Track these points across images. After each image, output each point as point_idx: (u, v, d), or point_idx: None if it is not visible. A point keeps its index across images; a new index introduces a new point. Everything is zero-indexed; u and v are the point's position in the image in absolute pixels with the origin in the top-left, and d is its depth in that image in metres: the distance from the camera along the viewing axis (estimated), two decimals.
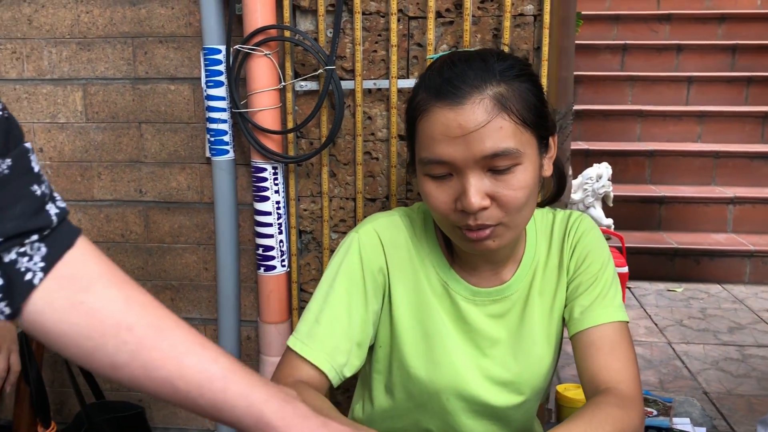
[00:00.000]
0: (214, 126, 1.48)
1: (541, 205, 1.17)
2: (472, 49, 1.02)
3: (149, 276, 1.64)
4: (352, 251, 1.04)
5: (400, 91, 1.41)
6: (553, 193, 1.17)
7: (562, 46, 1.61)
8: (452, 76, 0.92)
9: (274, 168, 1.45)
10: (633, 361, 1.03)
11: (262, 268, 1.49)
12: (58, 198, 0.64)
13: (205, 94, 1.47)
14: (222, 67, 1.44)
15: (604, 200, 3.88)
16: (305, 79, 1.43)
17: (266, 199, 1.46)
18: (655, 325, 3.11)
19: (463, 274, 1.07)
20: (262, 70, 1.41)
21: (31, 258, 0.61)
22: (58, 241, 0.63)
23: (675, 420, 1.83)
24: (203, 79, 1.47)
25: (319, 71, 1.40)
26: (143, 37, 1.53)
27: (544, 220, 1.13)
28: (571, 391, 1.64)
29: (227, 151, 1.50)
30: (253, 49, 1.39)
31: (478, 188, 0.91)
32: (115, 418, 1.63)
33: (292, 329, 1.50)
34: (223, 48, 1.44)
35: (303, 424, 0.67)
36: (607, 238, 3.51)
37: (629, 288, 3.60)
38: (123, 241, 1.63)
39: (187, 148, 1.57)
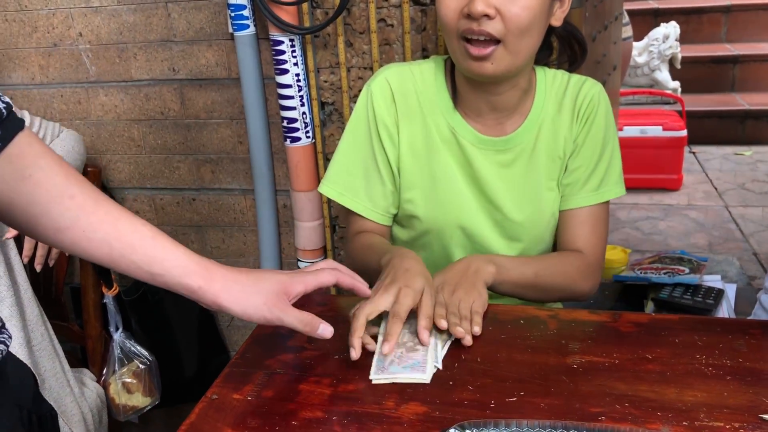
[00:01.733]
0: (233, 1, 1.51)
1: (559, 68, 1.20)
2: None
3: (190, 150, 1.75)
4: (360, 105, 1.15)
5: None
6: (570, 55, 1.19)
7: None
8: None
9: (291, 40, 1.49)
10: (605, 237, 1.18)
11: (288, 140, 1.57)
12: (3, 96, 0.73)
13: None
14: None
15: (671, 62, 3.70)
16: None
17: (286, 72, 1.51)
18: (715, 189, 3.04)
19: (469, 120, 1.14)
20: None
21: None
22: (9, 128, 0.72)
23: (705, 277, 1.85)
24: None
25: None
26: None
27: (557, 81, 1.17)
28: (608, 253, 1.69)
29: (248, 26, 1.54)
30: None
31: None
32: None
33: (320, 196, 1.59)
34: None
35: (218, 269, 0.82)
36: (667, 102, 3.39)
37: (693, 153, 3.50)
38: (163, 118, 1.73)
39: (212, 24, 1.62)
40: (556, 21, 1.09)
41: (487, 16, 0.98)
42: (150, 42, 1.66)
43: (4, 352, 0.72)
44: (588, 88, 1.15)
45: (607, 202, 1.17)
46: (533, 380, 0.86)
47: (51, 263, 1.48)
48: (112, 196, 1.82)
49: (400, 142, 1.14)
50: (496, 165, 1.14)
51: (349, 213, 1.18)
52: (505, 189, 1.15)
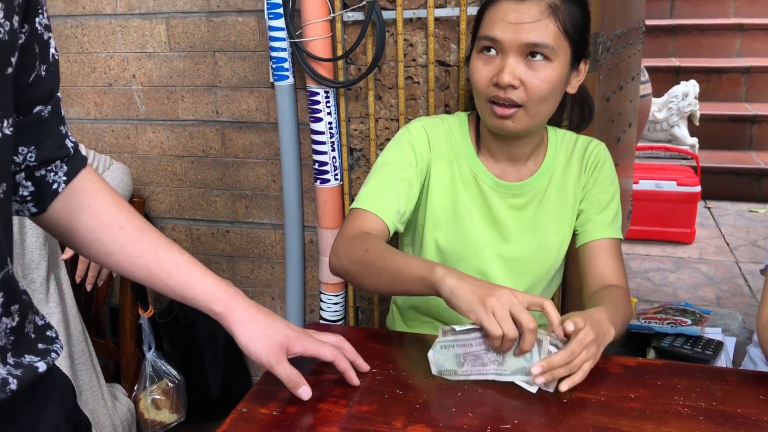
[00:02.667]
0: (275, 54, 1.67)
1: (570, 129, 1.36)
2: None
3: (227, 186, 1.90)
4: (404, 138, 1.28)
5: (437, 19, 1.54)
6: (579, 118, 1.35)
7: None
8: None
9: (326, 92, 1.64)
10: (624, 267, 1.28)
11: (318, 181, 1.70)
12: (71, 136, 0.87)
13: (267, 25, 1.66)
14: (280, 0, 1.61)
15: (690, 119, 3.81)
16: (352, 10, 1.58)
17: (320, 120, 1.65)
18: (727, 244, 3.12)
19: (488, 166, 1.28)
20: (314, 3, 1.57)
21: (56, 174, 0.85)
22: (74, 165, 0.86)
23: (707, 330, 1.93)
24: (265, 12, 1.65)
25: (363, 2, 1.55)
26: None
27: (566, 139, 1.33)
28: None
29: (287, 77, 1.69)
30: None
31: (513, 68, 1.13)
32: None
33: None
34: None
35: (241, 301, 0.95)
36: (684, 158, 3.49)
37: (708, 208, 3.58)
38: (204, 156, 1.88)
39: (255, 74, 1.77)
40: (572, 89, 1.24)
41: (512, 86, 1.13)
42: (197, 86, 1.82)
43: (55, 360, 0.84)
44: (594, 146, 1.31)
45: (620, 242, 1.30)
46: (527, 411, 0.96)
47: (100, 283, 1.62)
48: (154, 225, 1.96)
49: (431, 179, 1.28)
50: (510, 207, 1.28)
51: (352, 215, 1.24)
52: (516, 229, 1.29)
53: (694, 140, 3.79)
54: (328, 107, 1.65)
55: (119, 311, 1.85)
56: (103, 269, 1.60)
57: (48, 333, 0.82)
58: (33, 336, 0.79)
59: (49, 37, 0.80)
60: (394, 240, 1.35)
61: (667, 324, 1.91)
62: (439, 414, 0.96)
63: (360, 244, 1.14)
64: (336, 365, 1.01)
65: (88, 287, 1.60)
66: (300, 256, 1.84)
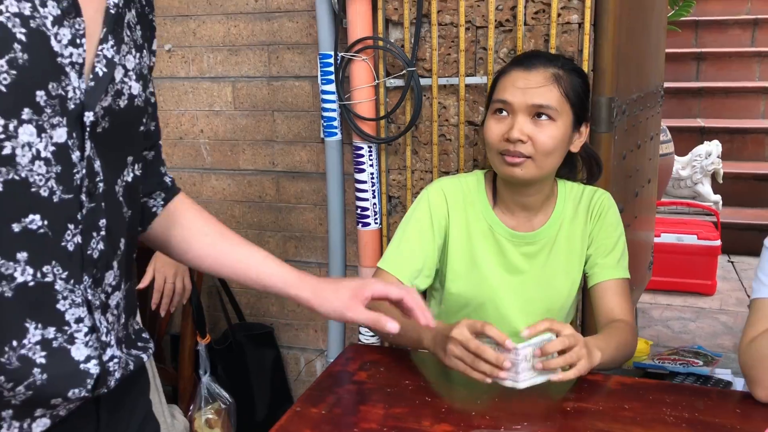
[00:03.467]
0: (326, 114, 1.92)
1: (585, 182, 1.55)
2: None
3: (279, 228, 2.13)
4: (422, 202, 1.49)
5: (467, 86, 1.78)
6: (588, 173, 1.55)
7: (619, 47, 1.88)
8: (532, 56, 1.41)
9: (370, 147, 1.87)
10: (632, 305, 1.46)
11: (360, 224, 1.93)
12: (168, 173, 1.10)
13: (320, 89, 1.91)
14: (332, 68, 1.87)
15: (713, 176, 3.97)
16: (394, 77, 1.83)
17: (363, 170, 1.88)
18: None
19: (503, 218, 1.47)
20: (361, 71, 1.82)
21: (155, 200, 1.07)
22: (170, 192, 1.09)
23: (717, 370, 2.07)
24: (319, 78, 1.91)
25: (404, 71, 1.79)
26: (276, 45, 2.00)
27: (574, 191, 1.51)
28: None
29: (336, 134, 1.93)
30: (354, 55, 1.81)
31: (521, 126, 1.35)
32: (251, 335, 2.15)
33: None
34: (332, 53, 1.86)
35: (310, 279, 1.09)
36: (707, 213, 3.64)
37: (731, 262, 3.71)
38: (260, 201, 2.13)
39: (308, 130, 2.02)
40: (575, 148, 1.44)
41: (521, 140, 1.34)
42: (257, 140, 2.08)
43: (150, 356, 1.05)
44: (599, 195, 1.49)
45: (627, 280, 1.47)
46: (536, 416, 1.15)
47: (172, 310, 1.85)
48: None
49: (450, 234, 1.47)
50: (523, 255, 1.47)
51: (376, 274, 1.46)
52: (530, 274, 1.47)
53: (718, 197, 3.94)
54: (371, 160, 1.88)
55: (180, 338, 2.07)
56: (174, 298, 1.83)
57: (143, 335, 1.04)
58: (134, 336, 1.01)
59: (155, 101, 1.04)
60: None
61: (680, 364, 2.06)
62: (461, 416, 1.15)
63: (375, 308, 1.36)
64: (405, 302, 1.10)
65: (162, 313, 1.83)
66: None
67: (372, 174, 1.89)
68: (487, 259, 1.47)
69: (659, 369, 2.08)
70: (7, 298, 0.77)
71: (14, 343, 0.79)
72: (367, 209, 1.91)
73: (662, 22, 2.88)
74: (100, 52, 0.81)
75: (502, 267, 1.47)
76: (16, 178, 0.76)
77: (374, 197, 1.91)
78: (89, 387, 0.86)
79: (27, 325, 0.79)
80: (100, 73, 0.81)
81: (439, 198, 1.48)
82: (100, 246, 0.86)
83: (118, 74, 0.84)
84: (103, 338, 0.88)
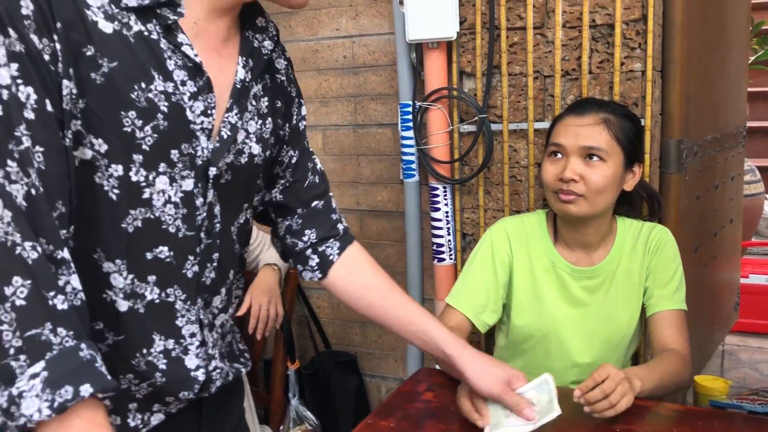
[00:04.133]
0: (405, 157, 2.09)
1: (646, 219, 1.64)
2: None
3: None
4: (486, 242, 1.61)
5: (536, 130, 1.90)
6: (648, 211, 1.64)
7: (689, 91, 1.96)
8: (584, 103, 1.54)
9: (445, 187, 2.02)
10: (687, 335, 1.51)
11: (436, 260, 2.07)
12: (342, 219, 1.25)
13: (400, 135, 2.09)
14: (411, 116, 2.05)
15: None
16: (467, 124, 1.98)
17: (439, 209, 2.03)
18: None
19: (564, 254, 1.58)
20: (437, 118, 1.99)
21: (332, 248, 1.20)
22: (344, 241, 1.22)
23: None
24: (399, 125, 2.09)
25: (476, 118, 1.94)
26: (361, 96, 2.20)
27: (633, 227, 1.60)
28: (709, 381, 1.98)
29: (414, 175, 2.10)
30: (430, 104, 1.98)
31: (573, 167, 1.46)
32: (336, 362, 2.31)
33: None
34: (411, 103, 2.04)
35: (469, 348, 1.21)
36: None
37: None
38: None
39: (389, 173, 2.20)
40: (628, 186, 1.53)
41: (573, 180, 1.46)
42: (343, 182, 2.28)
43: (247, 370, 1.20)
44: (657, 230, 1.57)
45: (684, 312, 1.52)
46: None
47: (266, 334, 2.04)
48: (304, 294, 2.39)
49: (514, 271, 1.58)
50: (584, 288, 1.56)
51: (444, 309, 1.59)
52: (590, 307, 1.55)
53: None
54: (446, 199, 2.03)
55: (272, 363, 2.26)
56: (268, 323, 2.03)
57: (245, 354, 1.21)
58: (237, 353, 1.19)
59: (314, 156, 1.22)
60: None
61: (758, 404, 2.05)
62: None
63: None
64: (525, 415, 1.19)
65: (258, 337, 2.02)
66: None
67: (447, 213, 2.04)
68: (549, 293, 1.57)
69: (735, 408, 2.08)
70: (140, 313, 0.96)
71: (144, 351, 0.98)
72: (442, 245, 2.05)
73: (743, 63, 2.89)
74: (225, 119, 0.99)
75: (564, 300, 1.56)
76: (152, 217, 0.94)
77: (449, 234, 2.05)
78: (195, 390, 1.04)
79: (154, 336, 0.98)
80: (225, 136, 0.99)
81: (502, 237, 1.60)
82: (212, 275, 1.03)
83: (240, 136, 1.02)
84: (210, 351, 1.06)
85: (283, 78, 1.14)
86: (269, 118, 1.09)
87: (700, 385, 1.89)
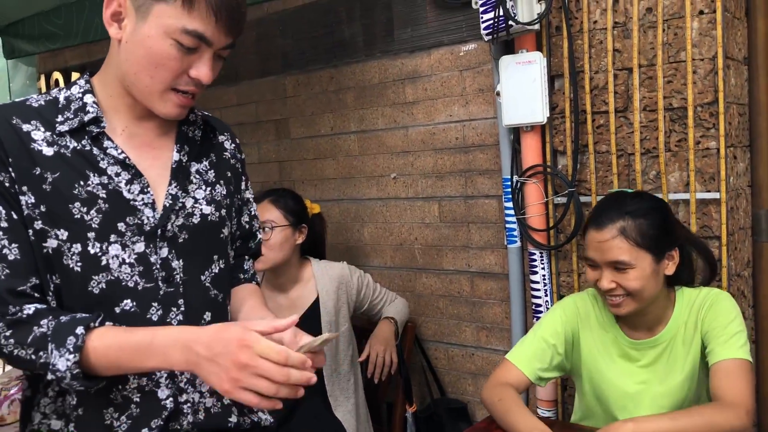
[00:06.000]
0: (509, 225, 2.36)
1: (702, 284, 1.77)
2: (627, 190, 1.75)
3: (473, 320, 2.57)
4: (556, 311, 1.82)
5: None
6: (705, 277, 1.77)
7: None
8: (602, 213, 1.66)
9: (542, 253, 2.26)
10: (746, 384, 1.54)
11: (536, 319, 2.29)
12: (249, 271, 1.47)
13: (503, 205, 2.37)
14: (510, 189, 2.33)
15: None
16: (560, 196, 2.22)
17: (536, 272, 2.27)
18: None
19: (626, 330, 1.73)
20: (533, 191, 2.25)
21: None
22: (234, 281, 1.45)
23: None
24: (503, 197, 2.37)
25: (567, 191, 2.18)
26: (470, 171, 2.51)
27: (693, 294, 1.72)
28: None
29: (516, 241, 2.36)
30: (527, 179, 2.25)
31: (608, 277, 1.62)
32: (449, 409, 2.57)
33: None
34: (510, 177, 2.32)
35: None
36: None
37: None
38: (458, 296, 2.60)
39: (495, 239, 2.48)
40: (669, 271, 1.64)
41: (611, 289, 1.62)
42: (456, 246, 2.58)
43: (265, 423, 1.38)
44: (712, 293, 1.67)
45: (742, 361, 1.55)
46: None
47: (383, 379, 2.37)
48: (422, 346, 2.70)
49: (581, 342, 1.76)
50: (646, 357, 1.70)
51: (503, 364, 1.75)
52: (652, 373, 1.69)
53: None
54: (543, 264, 2.27)
55: (393, 406, 2.57)
56: (384, 369, 2.35)
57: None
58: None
59: (253, 225, 1.45)
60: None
61: None
62: None
63: (498, 392, 1.66)
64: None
65: (375, 380, 2.36)
66: None
67: (544, 276, 2.27)
68: (614, 364, 1.73)
69: None
70: None
71: (119, 386, 1.19)
72: (540, 306, 2.28)
73: None
74: (168, 193, 1.24)
75: (627, 370, 1.72)
76: (112, 278, 1.17)
77: (546, 296, 2.27)
78: (163, 417, 1.20)
79: (128, 375, 1.19)
80: (167, 205, 1.23)
81: (572, 310, 1.79)
82: (179, 318, 1.22)
83: (189, 203, 1.25)
84: (181, 385, 1.23)
85: (230, 157, 1.39)
86: (218, 185, 1.33)
87: None
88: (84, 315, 1.13)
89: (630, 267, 1.59)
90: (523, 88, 2.18)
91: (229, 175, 1.38)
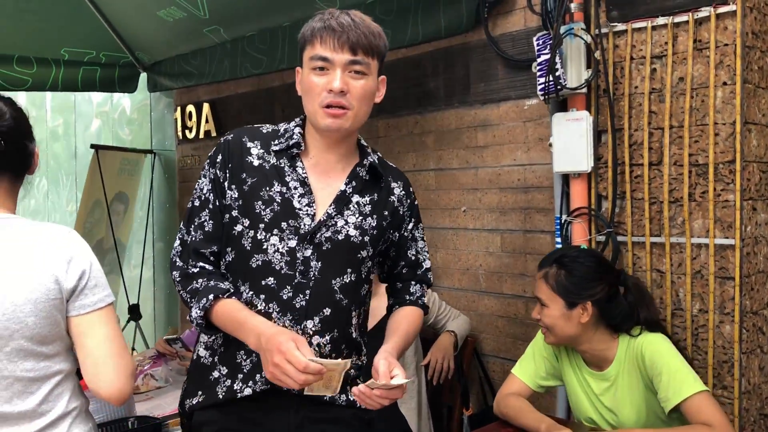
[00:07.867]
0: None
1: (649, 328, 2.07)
2: (582, 246, 2.22)
3: (527, 339, 2.90)
4: (540, 343, 2.22)
5: (652, 243, 2.42)
6: (645, 324, 2.06)
7: None
8: (548, 257, 2.13)
9: None
10: (719, 410, 1.83)
11: None
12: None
13: (555, 240, 2.73)
14: (559, 227, 2.69)
15: None
16: (600, 234, 2.57)
17: None
18: None
19: (591, 367, 2.10)
20: (579, 229, 2.60)
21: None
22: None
23: None
24: (555, 232, 2.74)
25: (606, 231, 2.53)
26: (529, 209, 2.89)
27: (629, 344, 2.02)
28: None
29: None
30: (573, 219, 2.61)
31: (535, 309, 2.10)
32: None
33: None
34: (560, 216, 2.69)
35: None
36: None
37: None
38: (515, 318, 2.97)
39: None
40: (584, 320, 1.99)
41: (538, 319, 2.05)
42: (514, 274, 2.96)
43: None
44: (644, 341, 1.97)
45: (701, 393, 1.82)
46: None
47: (441, 382, 2.77)
48: (480, 359, 3.08)
49: (562, 365, 2.16)
50: (599, 387, 2.06)
51: (510, 376, 2.21)
52: (609, 401, 2.03)
53: None
54: None
55: (452, 409, 2.97)
56: (441, 375, 2.75)
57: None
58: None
59: (416, 256, 1.88)
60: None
61: None
62: None
63: (507, 402, 2.11)
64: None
65: (434, 383, 2.77)
66: None
67: None
68: (579, 388, 2.12)
69: None
70: None
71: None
72: None
73: None
74: (326, 212, 1.60)
75: (590, 398, 2.09)
76: (266, 259, 1.57)
77: None
78: None
79: None
80: (322, 219, 1.59)
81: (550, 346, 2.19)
82: (302, 303, 1.57)
83: (340, 222, 1.60)
84: None
85: (395, 200, 1.72)
86: (370, 218, 1.64)
87: None
88: (223, 288, 1.58)
89: (545, 306, 2.04)
90: (572, 141, 2.55)
91: (386, 213, 1.69)
